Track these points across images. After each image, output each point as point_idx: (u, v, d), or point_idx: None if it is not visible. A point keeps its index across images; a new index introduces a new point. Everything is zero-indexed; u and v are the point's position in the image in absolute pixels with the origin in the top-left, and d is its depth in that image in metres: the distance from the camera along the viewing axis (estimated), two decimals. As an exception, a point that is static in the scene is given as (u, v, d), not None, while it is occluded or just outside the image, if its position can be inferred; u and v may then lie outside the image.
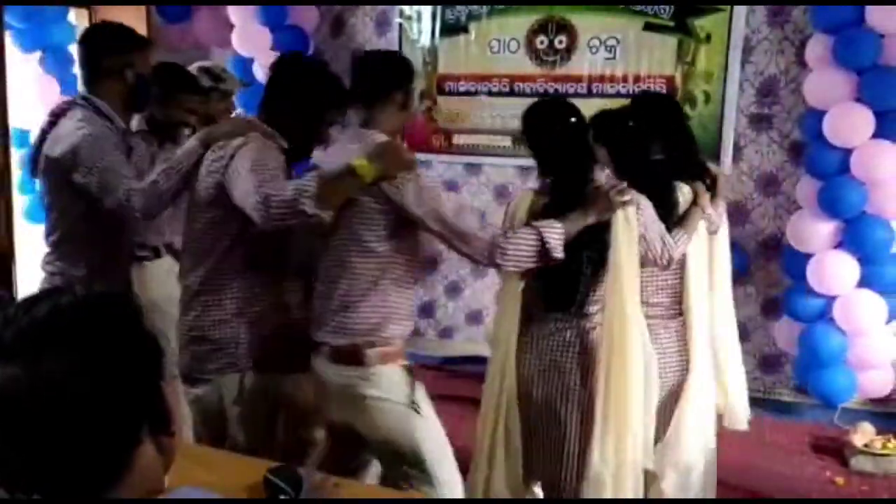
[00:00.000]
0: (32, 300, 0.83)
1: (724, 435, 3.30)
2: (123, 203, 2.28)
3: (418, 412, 2.14)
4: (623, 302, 2.14)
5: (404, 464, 2.15)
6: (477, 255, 2.05)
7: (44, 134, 2.50)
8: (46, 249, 2.56)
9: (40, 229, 4.60)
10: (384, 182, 2.03)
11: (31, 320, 0.81)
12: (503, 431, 2.27)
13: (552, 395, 2.23)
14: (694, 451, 2.53)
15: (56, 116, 2.46)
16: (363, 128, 2.18)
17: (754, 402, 4.08)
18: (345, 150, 2.13)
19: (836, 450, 3.53)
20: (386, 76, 2.20)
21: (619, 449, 2.15)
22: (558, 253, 2.03)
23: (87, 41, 2.50)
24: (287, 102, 2.22)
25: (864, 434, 3.45)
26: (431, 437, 2.17)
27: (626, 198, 2.13)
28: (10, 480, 0.82)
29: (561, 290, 2.19)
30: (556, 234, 2.03)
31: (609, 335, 2.16)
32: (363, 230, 2.07)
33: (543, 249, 2.01)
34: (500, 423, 2.27)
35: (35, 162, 2.54)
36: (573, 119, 2.27)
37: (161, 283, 2.82)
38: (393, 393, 2.12)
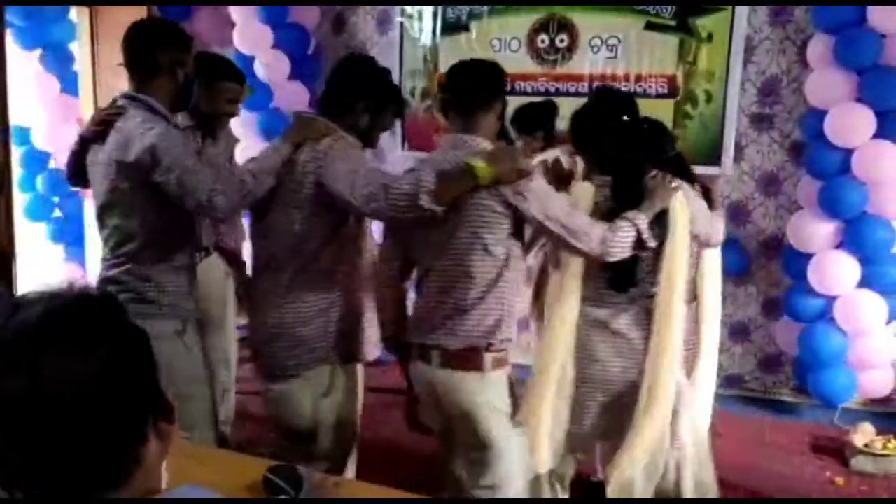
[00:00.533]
0: (21, 304, 0.82)
1: (724, 435, 3.32)
2: (204, 203, 2.16)
3: (513, 425, 2.19)
4: (673, 280, 2.24)
5: (487, 471, 2.17)
6: (588, 250, 2.13)
7: (85, 143, 2.32)
8: (118, 260, 2.31)
9: (40, 228, 4.67)
10: (504, 186, 2.05)
11: (25, 324, 0.80)
12: (552, 404, 2.33)
13: (627, 369, 2.30)
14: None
15: (105, 123, 2.26)
16: (463, 133, 2.20)
17: (754, 401, 4.13)
18: (448, 155, 2.15)
19: (836, 450, 3.52)
20: (488, 85, 2.23)
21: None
22: (652, 243, 2.17)
23: (140, 36, 2.30)
24: (352, 105, 2.27)
25: (864, 434, 3.45)
26: (520, 458, 2.22)
27: (674, 185, 2.26)
28: (9, 480, 0.81)
29: (624, 272, 2.27)
30: (645, 225, 2.16)
31: (658, 311, 2.25)
32: (486, 233, 2.09)
33: (639, 240, 2.16)
34: (551, 393, 2.32)
35: (80, 175, 2.38)
36: (626, 118, 2.37)
37: (216, 281, 2.83)
38: (498, 401, 2.17)
